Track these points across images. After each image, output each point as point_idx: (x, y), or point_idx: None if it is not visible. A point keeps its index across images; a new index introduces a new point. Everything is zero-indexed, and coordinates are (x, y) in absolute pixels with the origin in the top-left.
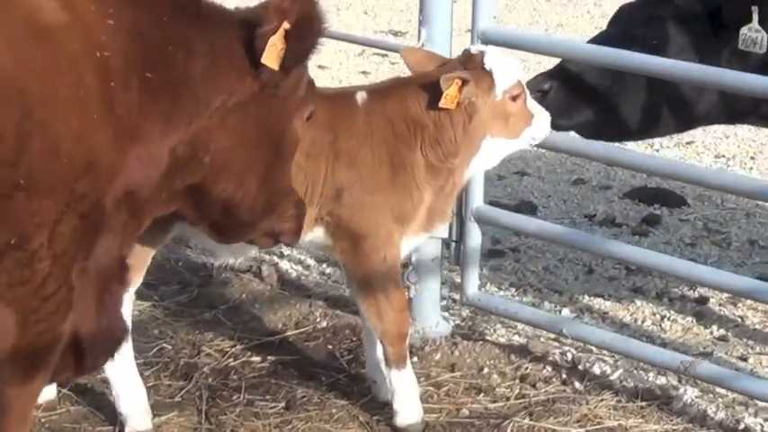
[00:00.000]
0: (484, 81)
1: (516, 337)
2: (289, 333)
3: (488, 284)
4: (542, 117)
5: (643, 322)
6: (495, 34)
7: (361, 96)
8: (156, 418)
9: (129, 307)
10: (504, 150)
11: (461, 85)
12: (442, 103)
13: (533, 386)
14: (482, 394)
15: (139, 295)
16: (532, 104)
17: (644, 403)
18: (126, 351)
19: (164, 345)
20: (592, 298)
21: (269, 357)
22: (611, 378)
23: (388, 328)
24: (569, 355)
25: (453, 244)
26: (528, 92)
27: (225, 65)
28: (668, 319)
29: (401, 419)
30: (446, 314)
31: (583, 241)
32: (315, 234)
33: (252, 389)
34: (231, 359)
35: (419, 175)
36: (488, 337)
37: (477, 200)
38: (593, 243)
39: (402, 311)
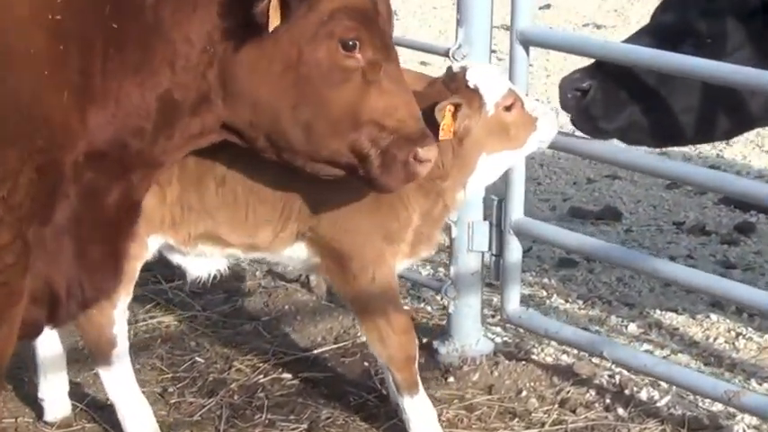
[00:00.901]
0: (473, 100)
1: (564, 357)
2: (326, 348)
3: (555, 296)
4: (546, 118)
5: (715, 340)
6: (535, 34)
7: None
8: None
9: (123, 324)
10: (508, 162)
11: (455, 110)
12: (441, 136)
13: (573, 411)
14: (516, 419)
15: (182, 305)
16: (532, 107)
17: None
18: (127, 372)
19: (197, 358)
20: (664, 312)
21: (300, 374)
22: (659, 405)
23: (392, 353)
24: (617, 378)
25: (492, 258)
26: (524, 97)
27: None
28: (743, 336)
29: None
30: (498, 329)
31: (625, 258)
32: (295, 251)
33: (276, 408)
34: (261, 375)
35: (407, 194)
36: (534, 357)
37: (516, 212)
38: (635, 260)
39: (406, 334)
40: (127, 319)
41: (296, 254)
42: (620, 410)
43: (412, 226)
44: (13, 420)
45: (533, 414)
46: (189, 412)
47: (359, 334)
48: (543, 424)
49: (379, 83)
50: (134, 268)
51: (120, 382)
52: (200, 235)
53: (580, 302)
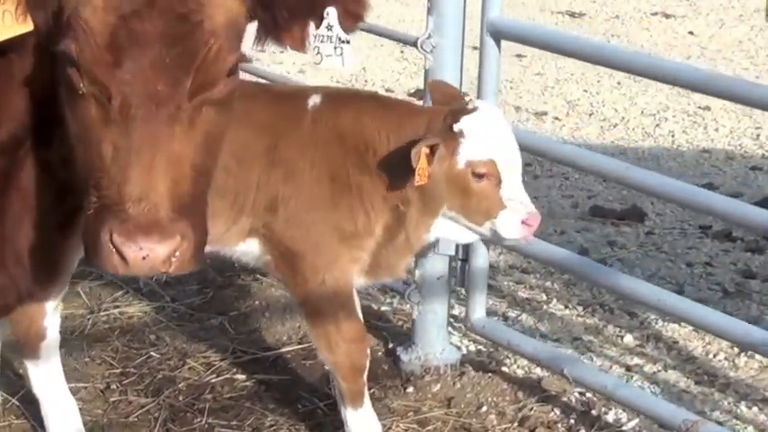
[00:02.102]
0: (448, 144)
1: (537, 371)
2: (289, 348)
3: (554, 300)
4: (513, 216)
5: (715, 356)
6: (506, 26)
7: (312, 101)
8: None
9: (55, 316)
10: (461, 232)
11: (430, 152)
12: (417, 181)
13: (532, 431)
14: None
15: (151, 295)
16: (512, 194)
17: None
18: (55, 367)
19: (152, 353)
20: (665, 324)
21: (255, 375)
22: (624, 428)
23: (339, 360)
24: (586, 397)
25: (459, 263)
26: (509, 182)
27: None
28: (746, 354)
29: None
30: (474, 336)
31: (586, 270)
32: (248, 247)
33: (220, 412)
34: (213, 375)
35: (369, 198)
36: (504, 369)
37: None
38: (597, 272)
39: (356, 342)
40: (90, 307)
41: (249, 249)
42: None
43: (374, 235)
44: None
45: None
46: (126, 413)
47: None
48: None
49: (112, 125)
50: (71, 261)
51: (46, 377)
52: None
53: (580, 309)
